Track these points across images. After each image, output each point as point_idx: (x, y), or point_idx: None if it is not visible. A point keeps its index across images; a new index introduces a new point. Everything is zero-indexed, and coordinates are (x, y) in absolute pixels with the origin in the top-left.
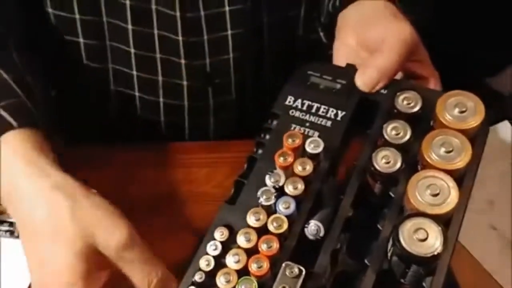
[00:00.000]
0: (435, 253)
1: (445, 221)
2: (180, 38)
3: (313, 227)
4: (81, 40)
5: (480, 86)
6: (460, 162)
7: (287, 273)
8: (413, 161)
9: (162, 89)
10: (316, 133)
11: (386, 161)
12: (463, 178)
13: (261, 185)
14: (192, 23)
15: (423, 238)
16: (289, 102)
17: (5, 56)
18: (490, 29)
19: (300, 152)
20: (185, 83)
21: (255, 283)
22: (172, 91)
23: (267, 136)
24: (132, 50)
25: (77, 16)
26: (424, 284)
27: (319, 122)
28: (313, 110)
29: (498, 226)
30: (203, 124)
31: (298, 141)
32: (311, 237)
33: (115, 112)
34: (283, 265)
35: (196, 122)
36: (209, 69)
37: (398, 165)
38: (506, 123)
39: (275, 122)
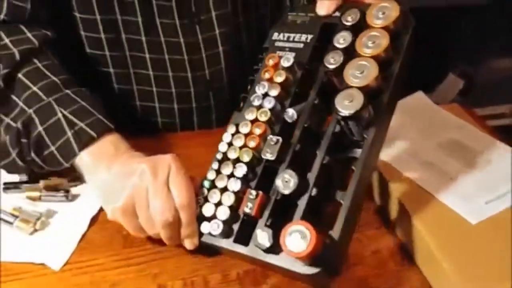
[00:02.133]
0: (358, 109)
1: (374, 92)
2: (185, 57)
3: (290, 113)
4: (111, 70)
5: None
6: (381, 49)
7: (270, 142)
8: (355, 57)
9: (176, 98)
10: (293, 54)
11: (333, 60)
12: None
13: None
14: (193, 45)
15: (349, 102)
16: (274, 37)
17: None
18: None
19: (279, 68)
20: (192, 90)
21: (252, 152)
22: (183, 98)
23: (260, 64)
24: (151, 73)
25: (107, 53)
26: (365, 136)
27: (294, 46)
28: (291, 39)
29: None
30: (208, 122)
31: (275, 60)
32: (289, 120)
33: (139, 122)
34: (268, 138)
35: (202, 121)
36: (209, 78)
37: (341, 61)
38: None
39: (265, 54)
